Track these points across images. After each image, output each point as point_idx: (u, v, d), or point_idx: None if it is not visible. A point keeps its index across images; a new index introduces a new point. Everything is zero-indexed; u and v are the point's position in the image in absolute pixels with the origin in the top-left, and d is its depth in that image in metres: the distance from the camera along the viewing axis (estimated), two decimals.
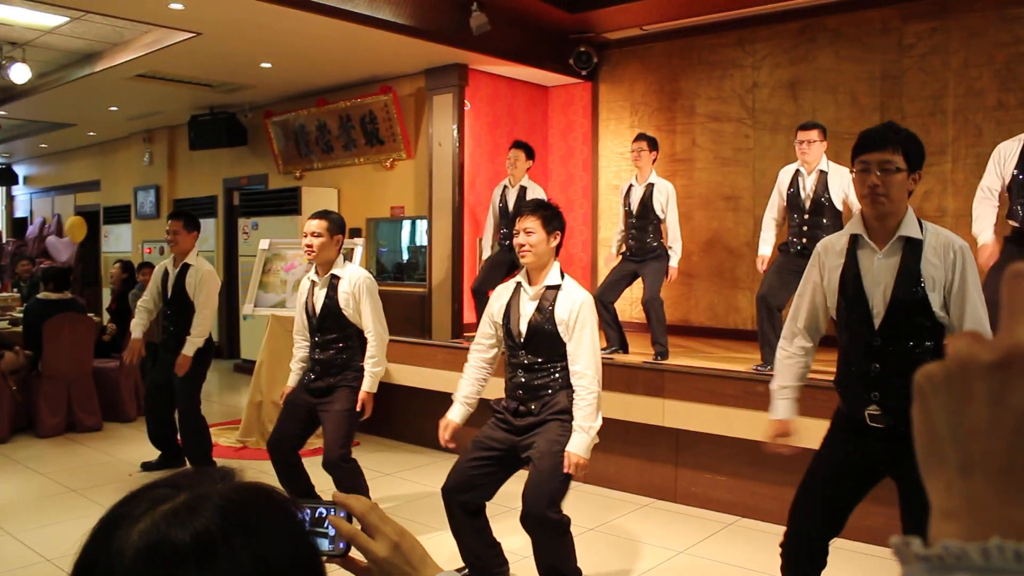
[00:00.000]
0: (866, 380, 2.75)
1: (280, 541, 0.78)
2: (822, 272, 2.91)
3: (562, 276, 3.63)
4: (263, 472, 5.83)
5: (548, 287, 3.60)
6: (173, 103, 9.97)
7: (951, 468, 0.49)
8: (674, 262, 6.03)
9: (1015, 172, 4.46)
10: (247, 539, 0.75)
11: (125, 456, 6.24)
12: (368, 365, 4.40)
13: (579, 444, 3.43)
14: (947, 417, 0.49)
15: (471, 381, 3.84)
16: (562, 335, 3.55)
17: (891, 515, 3.98)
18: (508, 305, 3.71)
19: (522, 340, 3.62)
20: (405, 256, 9.11)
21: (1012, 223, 4.49)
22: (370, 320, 4.40)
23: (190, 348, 5.43)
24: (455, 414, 3.80)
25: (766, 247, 5.59)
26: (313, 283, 4.51)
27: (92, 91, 9.24)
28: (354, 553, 1.06)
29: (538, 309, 3.59)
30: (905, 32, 6.61)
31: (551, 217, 3.61)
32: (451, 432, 3.78)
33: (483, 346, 3.85)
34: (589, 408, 3.47)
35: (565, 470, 3.44)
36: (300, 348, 4.61)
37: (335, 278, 4.42)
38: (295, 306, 4.93)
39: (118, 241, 12.94)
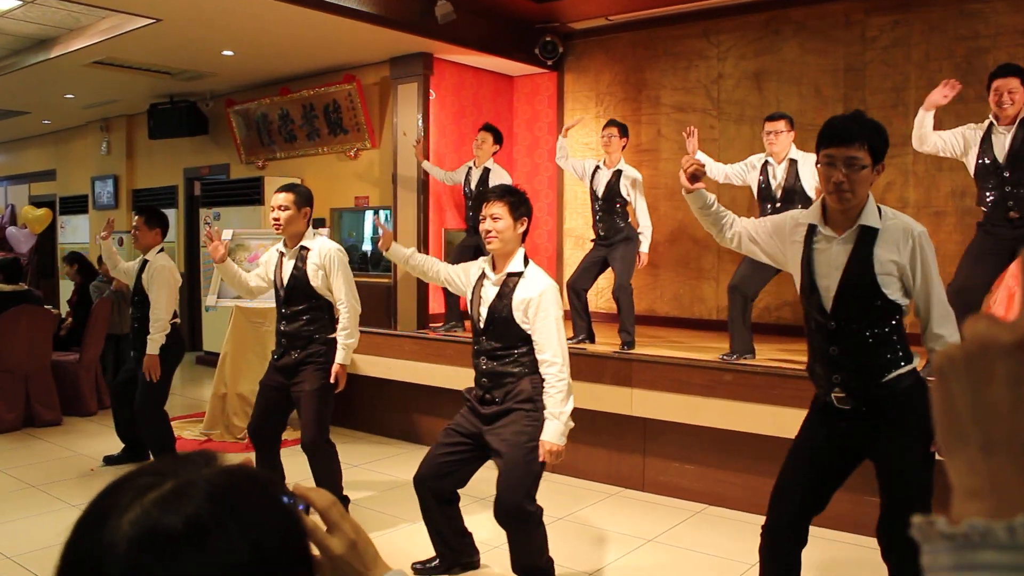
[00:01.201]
0: (827, 363, 2.81)
1: (270, 522, 0.78)
2: (783, 231, 2.96)
3: (526, 263, 3.62)
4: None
5: (510, 274, 3.58)
6: (131, 91, 9.78)
7: (973, 448, 0.49)
8: (644, 247, 6.07)
9: (979, 159, 4.56)
10: (238, 521, 0.75)
11: (86, 450, 6.13)
12: (341, 337, 4.37)
13: (552, 431, 3.43)
14: (968, 398, 0.49)
15: (425, 257, 4.03)
16: (519, 322, 3.52)
17: (856, 502, 4.05)
18: (472, 290, 3.70)
19: (482, 325, 3.61)
20: (370, 247, 9.05)
21: (981, 208, 4.61)
22: (342, 292, 4.37)
23: (152, 346, 5.33)
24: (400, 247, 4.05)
25: (708, 162, 5.66)
26: (281, 254, 4.46)
27: (46, 78, 9.02)
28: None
29: (498, 295, 3.57)
30: (868, 25, 6.68)
31: (518, 203, 3.59)
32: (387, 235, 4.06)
33: (446, 271, 3.95)
34: (560, 395, 3.46)
35: (540, 459, 3.44)
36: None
37: (304, 249, 4.38)
38: (263, 298, 4.90)
39: (75, 232, 12.69)
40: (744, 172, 5.64)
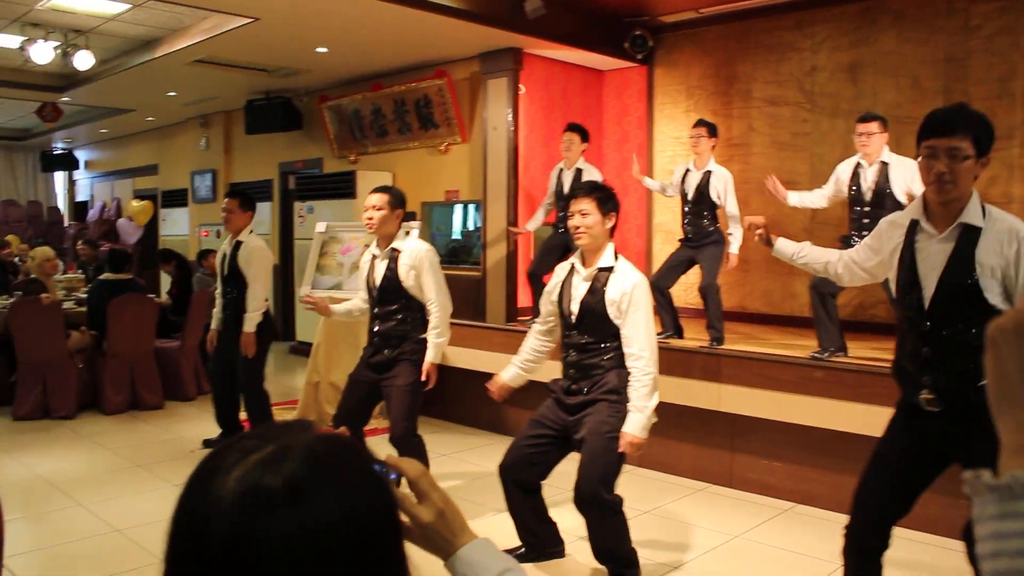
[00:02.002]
0: (918, 363, 2.73)
1: (362, 487, 0.83)
2: (881, 242, 2.91)
3: (616, 258, 3.64)
4: None
5: (601, 269, 3.61)
6: (229, 88, 10.14)
7: (1022, 408, 0.52)
8: (734, 248, 6.00)
9: None
10: (333, 484, 0.80)
11: (186, 434, 6.39)
12: (432, 336, 4.45)
13: (635, 424, 3.45)
14: (1018, 362, 0.54)
15: (528, 349, 3.95)
16: (612, 317, 3.55)
17: (946, 504, 3.94)
18: (562, 286, 3.73)
19: (574, 320, 3.64)
20: (460, 240, 9.17)
21: None
22: (432, 291, 4.45)
23: (250, 324, 5.55)
24: (506, 373, 3.96)
25: (797, 196, 5.67)
26: (374, 256, 4.57)
27: (151, 77, 9.43)
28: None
29: (590, 290, 3.60)
30: (971, 13, 6.46)
31: (606, 199, 3.62)
32: (498, 387, 3.93)
33: (542, 322, 3.92)
34: (644, 389, 3.48)
35: (620, 450, 3.46)
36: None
37: (395, 251, 4.48)
38: (352, 287, 5.02)
39: (175, 225, 13.20)
40: (834, 187, 5.50)
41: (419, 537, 1.10)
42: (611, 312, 3.55)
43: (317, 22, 7.10)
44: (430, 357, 4.44)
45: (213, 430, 6.10)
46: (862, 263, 3.01)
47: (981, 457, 2.64)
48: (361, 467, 0.86)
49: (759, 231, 3.14)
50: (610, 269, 3.60)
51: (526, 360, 3.93)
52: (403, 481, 1.12)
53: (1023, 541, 0.51)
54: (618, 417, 3.49)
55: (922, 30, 6.71)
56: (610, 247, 3.65)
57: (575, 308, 3.64)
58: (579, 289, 3.65)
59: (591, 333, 3.61)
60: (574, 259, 3.74)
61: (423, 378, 4.45)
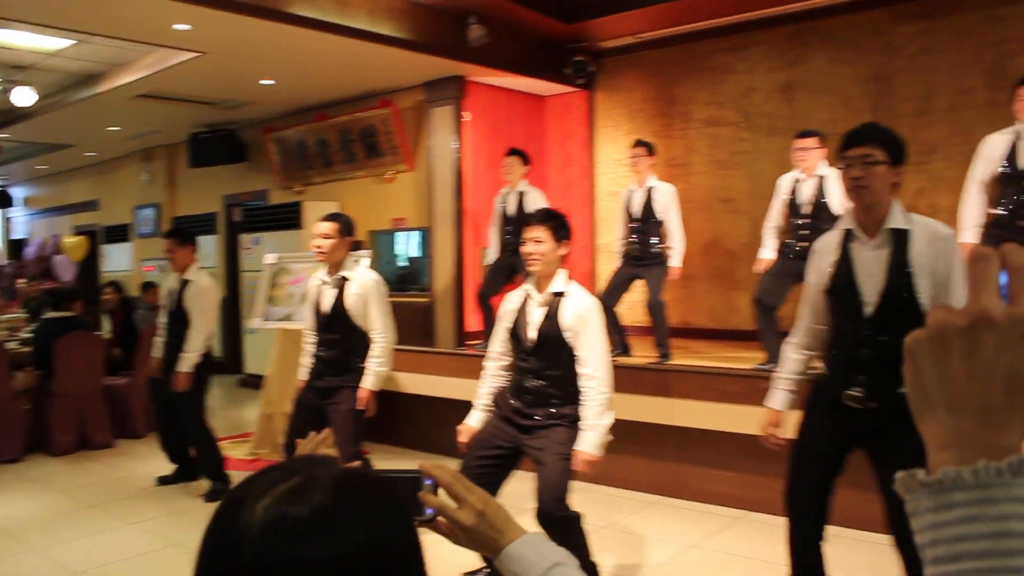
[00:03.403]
0: (855, 364, 2.89)
1: (387, 518, 0.87)
2: (818, 272, 3.06)
3: (568, 283, 3.73)
4: None
5: (555, 294, 3.70)
6: (173, 121, 10.08)
7: (940, 410, 0.62)
8: (676, 262, 6.15)
9: (1003, 166, 4.63)
10: (359, 514, 0.84)
11: (138, 471, 6.31)
12: (373, 364, 4.49)
13: (588, 442, 3.53)
14: (934, 370, 0.62)
15: (490, 389, 3.93)
16: (568, 341, 3.64)
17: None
18: (518, 313, 3.80)
19: (532, 347, 3.71)
20: (408, 267, 9.21)
21: (997, 211, 4.67)
22: (378, 321, 4.50)
23: (185, 364, 5.52)
24: (474, 419, 3.90)
25: (767, 252, 5.71)
26: (323, 283, 4.61)
27: (93, 112, 9.34)
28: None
29: (547, 316, 3.68)
30: (895, 34, 6.75)
31: (559, 227, 3.69)
32: (469, 436, 3.87)
33: (497, 357, 3.93)
34: (598, 408, 3.56)
35: (574, 467, 3.54)
36: (310, 344, 4.72)
37: (345, 279, 4.53)
38: (303, 317, 5.03)
39: (117, 260, 13.03)
40: (778, 205, 5.66)
41: (466, 540, 1.15)
42: (568, 337, 3.63)
43: (264, 55, 7.13)
44: (368, 384, 4.48)
45: (165, 467, 6.04)
46: (815, 308, 3.11)
47: (897, 453, 2.80)
48: (388, 499, 0.89)
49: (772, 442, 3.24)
50: (563, 294, 3.69)
51: (489, 402, 3.93)
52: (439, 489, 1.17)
53: (958, 528, 0.58)
54: (573, 438, 3.57)
55: (850, 51, 6.98)
56: (562, 273, 3.73)
57: (532, 335, 3.71)
58: (535, 316, 3.72)
59: (549, 360, 3.68)
60: (528, 286, 3.81)
61: (359, 407, 4.48)
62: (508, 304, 3.89)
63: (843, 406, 2.91)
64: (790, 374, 3.21)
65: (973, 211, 4.73)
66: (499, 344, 3.92)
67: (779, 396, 3.21)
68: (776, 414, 3.19)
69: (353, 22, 6.48)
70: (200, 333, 5.59)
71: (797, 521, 3.05)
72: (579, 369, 3.62)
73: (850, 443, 2.98)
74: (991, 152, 4.72)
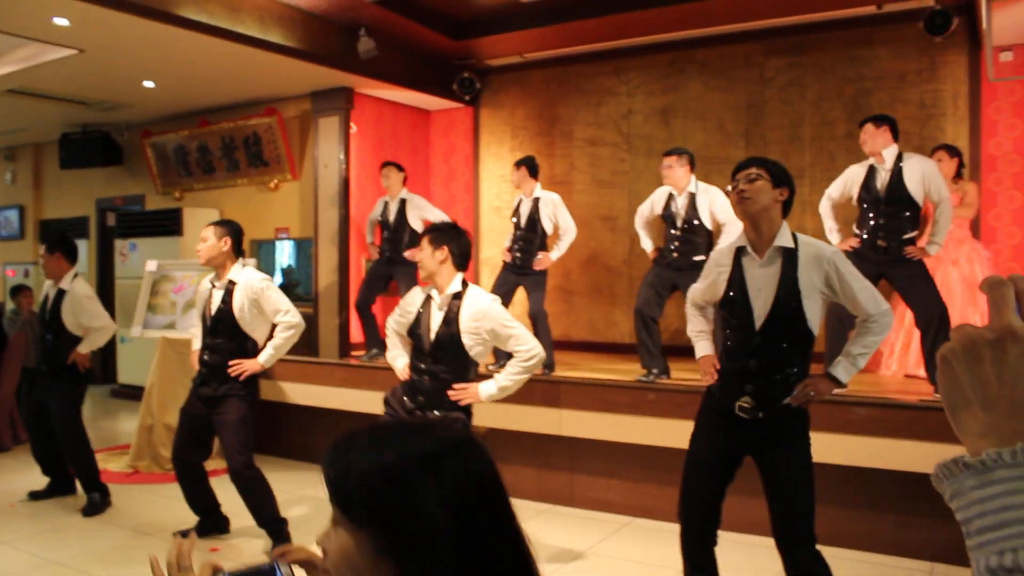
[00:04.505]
0: (744, 374, 3.12)
1: (484, 459, 1.09)
2: (714, 280, 3.33)
3: (464, 285, 3.90)
4: (157, 495, 5.80)
5: (453, 296, 3.86)
6: (42, 120, 9.62)
7: (975, 406, 0.76)
8: (554, 255, 6.41)
9: (861, 195, 5.10)
10: (463, 455, 1.06)
11: (5, 487, 6.02)
12: (280, 329, 4.54)
13: (486, 388, 3.81)
14: (968, 374, 0.76)
15: (403, 350, 4.16)
16: (467, 345, 3.79)
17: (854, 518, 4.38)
18: (419, 313, 3.93)
19: (428, 348, 3.85)
20: (291, 277, 9.12)
21: (858, 233, 5.13)
22: (281, 304, 4.54)
23: (86, 347, 5.46)
24: (400, 363, 4.12)
25: (648, 243, 6.09)
26: (213, 287, 4.60)
27: None
28: None
29: (445, 320, 3.83)
30: (766, 66, 7.20)
31: (436, 237, 3.89)
32: (405, 374, 4.04)
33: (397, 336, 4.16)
34: (513, 373, 3.82)
35: (454, 397, 3.81)
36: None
37: (232, 283, 4.53)
38: (185, 326, 4.98)
39: None
40: (649, 210, 6.04)
41: None
42: (467, 341, 3.77)
43: (146, 55, 6.93)
44: (260, 358, 4.54)
45: (34, 480, 5.81)
46: (704, 300, 3.48)
47: (783, 461, 3.06)
48: (478, 446, 1.12)
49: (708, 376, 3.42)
50: (460, 295, 3.85)
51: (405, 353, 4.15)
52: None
53: (1003, 500, 0.68)
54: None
55: (725, 79, 7.39)
56: (458, 276, 3.90)
57: (432, 336, 3.84)
58: (435, 318, 3.86)
59: (446, 363, 3.82)
60: (430, 289, 3.95)
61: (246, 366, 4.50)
62: (410, 302, 4.03)
63: (734, 416, 3.14)
64: (701, 326, 3.51)
65: (829, 218, 5.38)
66: (395, 335, 4.14)
67: (703, 344, 3.49)
68: (708, 357, 3.41)
69: (243, 28, 6.40)
70: (103, 322, 5.57)
71: (691, 526, 3.24)
72: (515, 349, 3.82)
73: (740, 451, 3.21)
74: (848, 179, 5.25)
